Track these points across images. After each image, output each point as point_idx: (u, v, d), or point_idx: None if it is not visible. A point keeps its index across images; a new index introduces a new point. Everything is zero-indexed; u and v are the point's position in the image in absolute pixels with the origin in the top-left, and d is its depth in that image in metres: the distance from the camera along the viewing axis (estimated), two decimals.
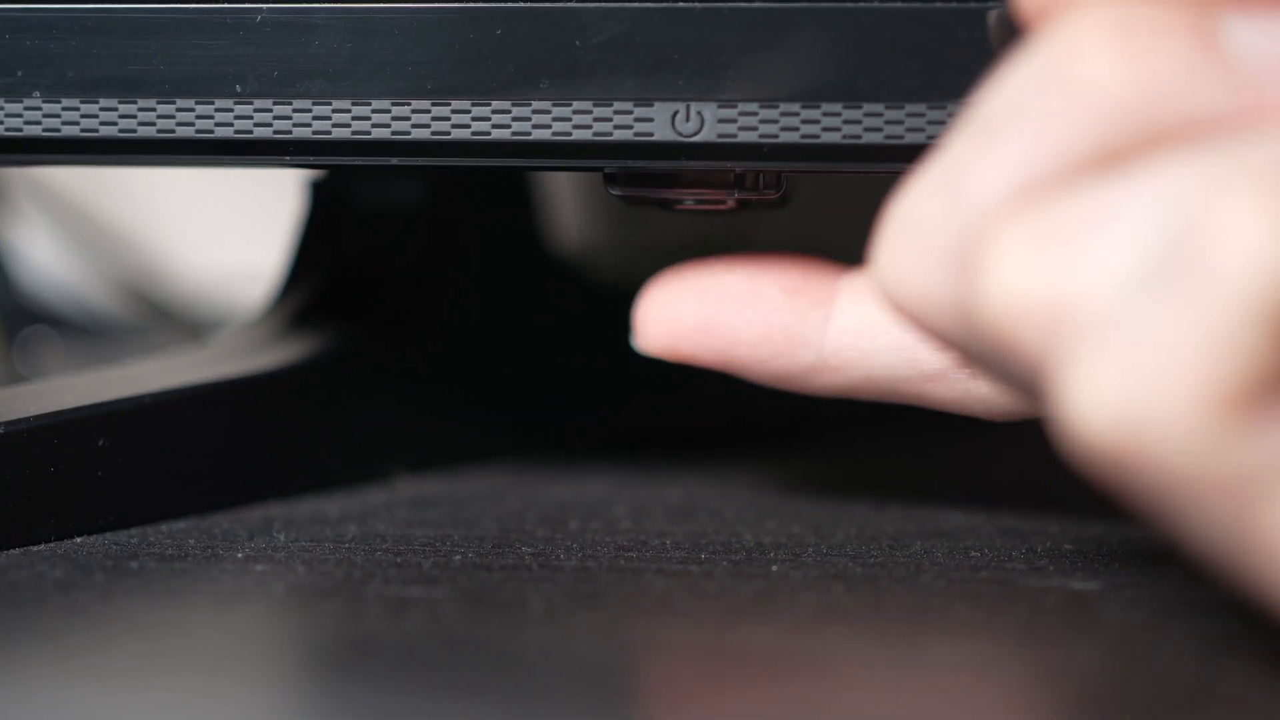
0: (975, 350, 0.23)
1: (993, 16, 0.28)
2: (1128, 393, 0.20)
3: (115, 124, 0.31)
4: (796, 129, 0.29)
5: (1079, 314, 0.21)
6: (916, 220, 0.23)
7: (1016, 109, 0.22)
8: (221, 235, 0.72)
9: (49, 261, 0.68)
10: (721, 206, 0.32)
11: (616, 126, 0.29)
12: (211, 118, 0.31)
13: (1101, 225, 0.21)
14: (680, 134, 0.29)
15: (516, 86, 0.30)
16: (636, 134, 0.29)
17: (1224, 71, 0.22)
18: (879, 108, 0.29)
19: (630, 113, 0.29)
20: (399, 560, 0.31)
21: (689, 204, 0.32)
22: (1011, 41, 0.24)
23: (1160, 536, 0.22)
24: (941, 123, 0.28)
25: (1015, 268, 0.22)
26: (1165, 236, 0.21)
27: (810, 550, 0.32)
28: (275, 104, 0.30)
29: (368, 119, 0.30)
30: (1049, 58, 0.22)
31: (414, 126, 0.30)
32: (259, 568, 0.30)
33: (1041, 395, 0.22)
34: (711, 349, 0.31)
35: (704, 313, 0.31)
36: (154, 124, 0.31)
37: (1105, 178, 0.22)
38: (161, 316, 0.65)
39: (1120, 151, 0.22)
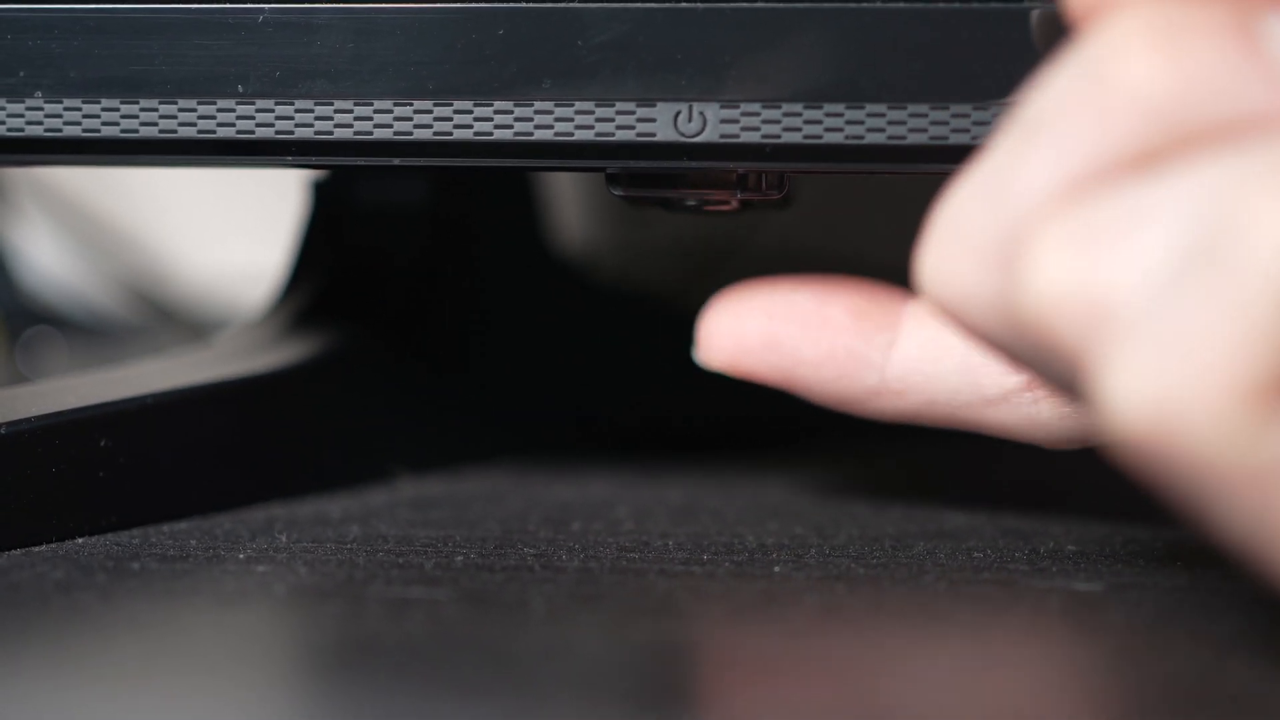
0: (1018, 349, 0.23)
1: (1035, 16, 0.28)
2: (1161, 385, 0.21)
3: (117, 124, 0.31)
4: (799, 129, 0.29)
5: (1116, 309, 0.21)
6: (961, 222, 0.23)
7: (1059, 110, 0.23)
8: (224, 235, 0.72)
9: (51, 262, 0.68)
10: (724, 207, 0.32)
11: (619, 127, 0.29)
12: (213, 118, 0.30)
13: (1138, 223, 0.21)
14: (683, 134, 0.29)
15: (518, 87, 0.30)
16: (639, 134, 0.29)
17: (1263, 71, 0.22)
18: (881, 108, 0.29)
19: (632, 113, 0.29)
20: (401, 561, 0.31)
21: (691, 204, 0.32)
22: (1056, 41, 0.25)
23: (1190, 532, 0.22)
24: (944, 123, 0.28)
25: (1055, 265, 0.22)
26: (1199, 233, 0.21)
27: (813, 551, 0.32)
28: (277, 104, 0.30)
29: (370, 119, 0.30)
30: (1091, 59, 0.22)
31: (416, 127, 0.30)
32: (261, 568, 0.30)
33: (1081, 391, 0.22)
34: (775, 367, 0.31)
35: (770, 330, 0.31)
36: (156, 124, 0.31)
37: (1143, 176, 0.22)
38: (164, 317, 0.65)
39: (1159, 150, 0.22)
